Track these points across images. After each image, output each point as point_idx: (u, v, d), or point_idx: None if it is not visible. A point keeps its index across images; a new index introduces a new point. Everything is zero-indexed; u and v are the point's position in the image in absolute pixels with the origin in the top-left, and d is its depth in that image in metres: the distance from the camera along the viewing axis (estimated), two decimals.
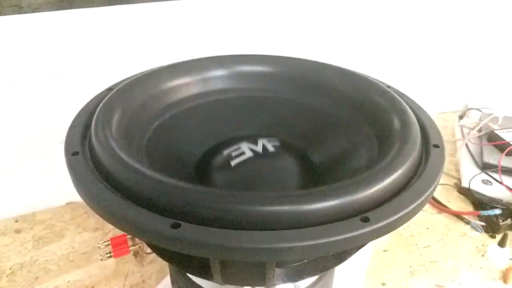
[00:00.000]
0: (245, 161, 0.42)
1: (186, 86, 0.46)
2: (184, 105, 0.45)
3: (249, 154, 0.42)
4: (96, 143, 0.34)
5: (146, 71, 0.45)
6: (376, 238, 0.28)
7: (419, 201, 0.30)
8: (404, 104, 0.41)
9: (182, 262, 0.35)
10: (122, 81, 0.45)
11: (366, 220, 0.28)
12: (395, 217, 0.29)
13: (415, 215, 0.31)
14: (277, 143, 0.44)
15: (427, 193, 0.31)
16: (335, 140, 0.44)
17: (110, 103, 0.39)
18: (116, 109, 0.38)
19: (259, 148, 0.43)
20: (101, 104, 0.39)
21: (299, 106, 0.48)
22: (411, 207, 0.30)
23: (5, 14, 0.56)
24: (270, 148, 0.44)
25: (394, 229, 0.29)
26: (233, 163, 0.41)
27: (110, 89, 0.43)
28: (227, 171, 0.41)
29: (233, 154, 0.42)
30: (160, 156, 0.40)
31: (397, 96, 0.42)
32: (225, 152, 0.43)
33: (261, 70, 0.49)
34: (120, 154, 0.32)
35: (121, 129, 0.37)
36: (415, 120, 0.39)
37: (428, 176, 0.33)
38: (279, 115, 0.48)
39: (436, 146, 0.37)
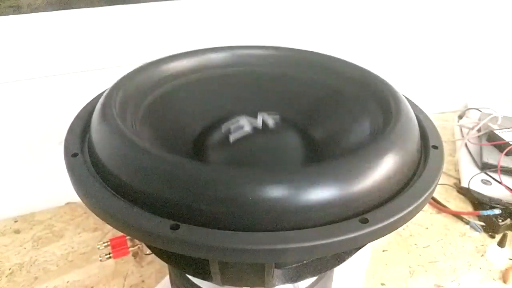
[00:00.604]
0: (244, 138, 0.40)
1: (186, 65, 0.46)
2: (182, 79, 0.45)
3: (248, 128, 0.41)
4: (103, 122, 0.34)
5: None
6: (376, 239, 0.28)
7: (418, 202, 0.30)
8: (398, 92, 0.41)
9: (181, 263, 0.35)
10: None
11: (365, 221, 0.28)
12: (394, 218, 0.29)
13: (414, 216, 0.31)
14: (277, 118, 0.43)
15: (426, 194, 0.31)
16: (338, 115, 0.43)
17: (114, 87, 0.39)
18: (118, 91, 0.38)
19: (259, 122, 0.42)
20: (106, 90, 0.39)
21: (302, 81, 0.47)
22: (410, 208, 0.30)
23: (4, 14, 0.56)
24: (270, 123, 0.42)
25: (394, 230, 0.29)
26: (231, 138, 0.40)
27: None
28: (226, 148, 0.40)
29: (232, 128, 0.41)
30: (157, 131, 0.39)
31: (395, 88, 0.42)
32: (224, 127, 0.42)
33: (263, 52, 0.49)
34: (118, 123, 0.32)
35: (119, 107, 0.37)
36: (407, 103, 0.39)
37: (427, 177, 0.33)
38: (280, 90, 0.47)
39: (435, 147, 0.37)
